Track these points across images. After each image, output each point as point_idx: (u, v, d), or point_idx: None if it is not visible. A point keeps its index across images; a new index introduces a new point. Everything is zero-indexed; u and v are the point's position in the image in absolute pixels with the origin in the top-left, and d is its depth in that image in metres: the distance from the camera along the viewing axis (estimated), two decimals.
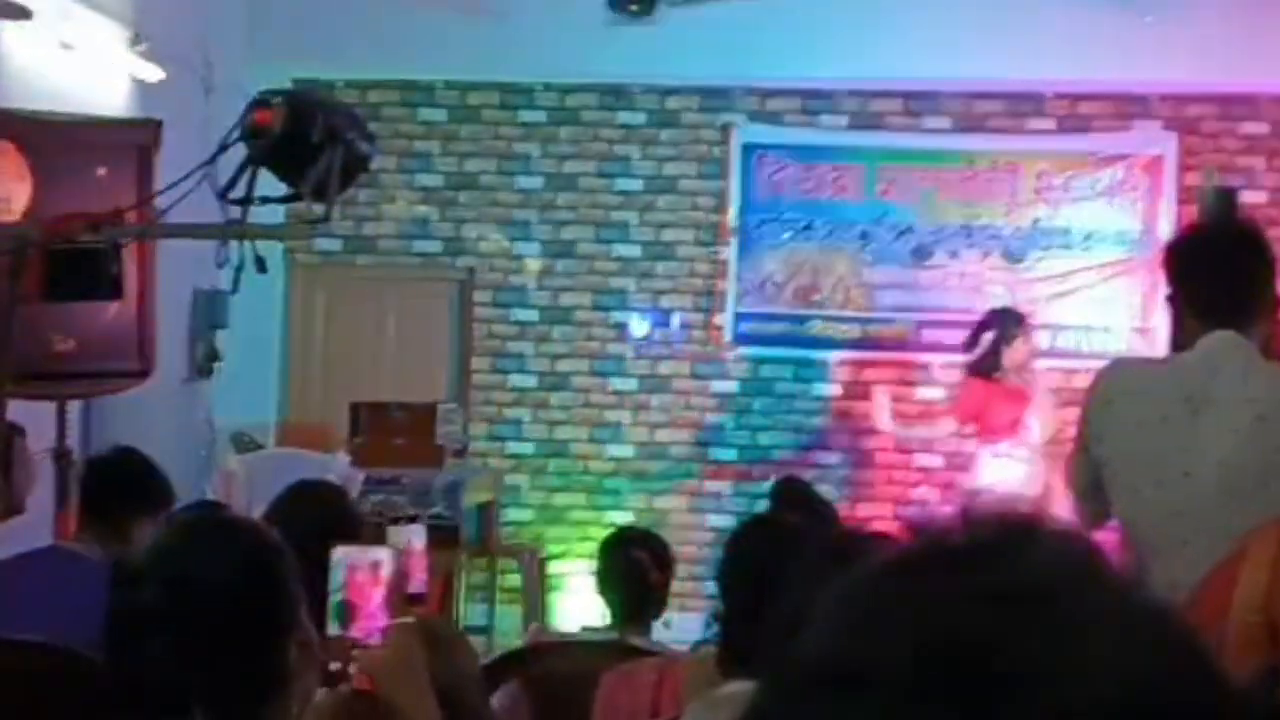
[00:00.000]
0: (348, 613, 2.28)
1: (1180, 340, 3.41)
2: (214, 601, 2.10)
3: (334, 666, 2.22)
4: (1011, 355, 8.21)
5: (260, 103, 4.36)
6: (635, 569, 4.39)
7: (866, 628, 0.82)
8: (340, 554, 2.42)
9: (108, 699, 2.09)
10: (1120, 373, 3.52)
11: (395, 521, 2.99)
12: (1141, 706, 0.78)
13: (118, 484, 4.62)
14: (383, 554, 2.51)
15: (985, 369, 8.28)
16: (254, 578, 2.14)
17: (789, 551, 3.40)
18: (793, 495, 5.34)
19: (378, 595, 2.29)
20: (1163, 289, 10.67)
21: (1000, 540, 0.84)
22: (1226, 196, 6.87)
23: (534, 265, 10.42)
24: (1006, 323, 8.42)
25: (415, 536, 2.89)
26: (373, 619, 2.26)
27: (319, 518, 3.22)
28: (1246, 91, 10.03)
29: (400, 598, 2.50)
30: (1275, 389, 3.21)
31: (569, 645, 4.48)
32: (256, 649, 2.11)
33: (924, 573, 0.83)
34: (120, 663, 2.11)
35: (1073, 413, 9.87)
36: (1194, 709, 0.79)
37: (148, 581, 2.12)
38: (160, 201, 4.67)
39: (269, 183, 4.71)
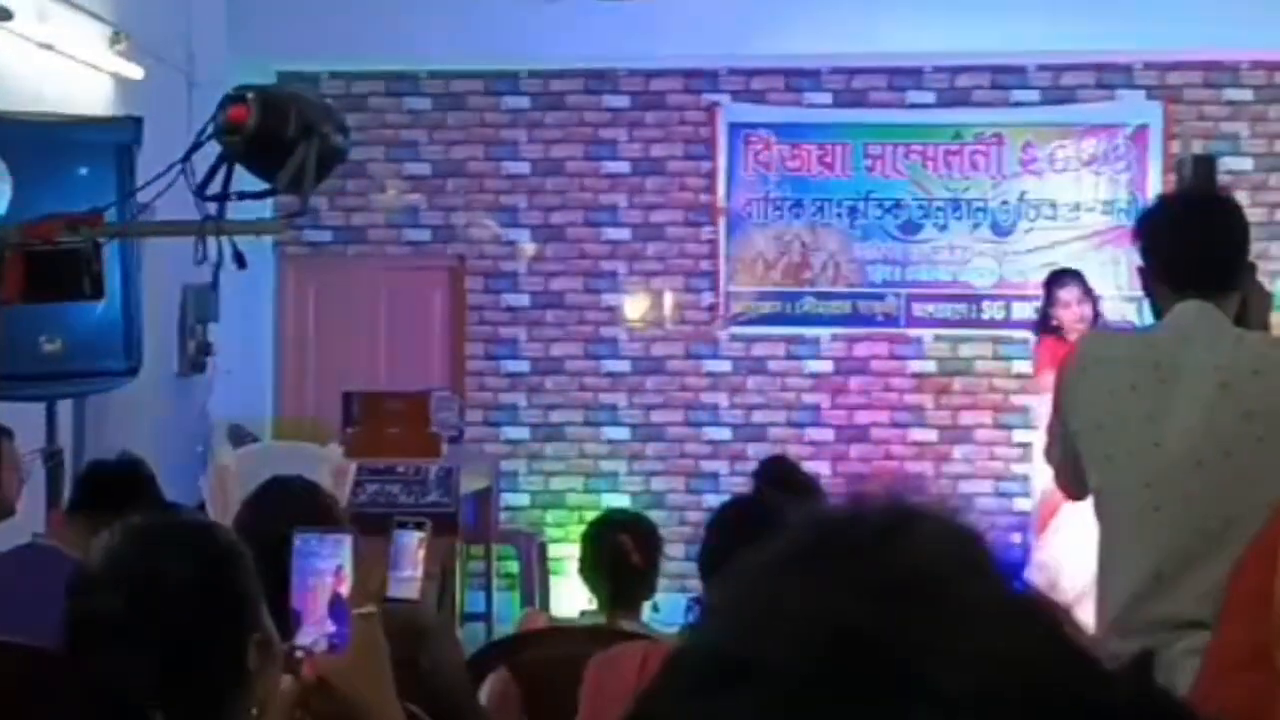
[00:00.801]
0: (292, 621, 2.28)
1: (1154, 310, 3.43)
2: (170, 604, 2.12)
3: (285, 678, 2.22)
4: (1060, 314, 8.14)
5: (233, 99, 4.37)
6: (617, 553, 4.40)
7: (754, 620, 0.83)
8: (297, 543, 2.39)
9: (74, 702, 2.11)
10: (1095, 341, 3.55)
11: (402, 526, 2.96)
12: (1021, 693, 0.79)
13: (108, 485, 4.63)
14: (342, 544, 2.47)
15: (1049, 329, 8.22)
16: (209, 579, 2.16)
17: (767, 532, 3.42)
18: (777, 474, 5.35)
19: (324, 597, 2.28)
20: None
21: (886, 528, 0.86)
22: (1208, 162, 6.86)
23: (525, 250, 10.44)
24: (1050, 283, 8.39)
25: (409, 539, 2.87)
26: (319, 624, 2.26)
27: (289, 514, 3.23)
28: (1229, 58, 10.04)
29: (362, 592, 2.46)
30: (1240, 357, 3.21)
31: (557, 631, 4.50)
32: (214, 650, 2.13)
33: (811, 561, 0.85)
34: (80, 666, 2.13)
35: None
36: (1072, 694, 0.81)
37: (103, 586, 2.14)
38: (139, 199, 4.69)
39: (246, 178, 4.73)
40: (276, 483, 3.70)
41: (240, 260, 4.47)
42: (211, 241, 4.44)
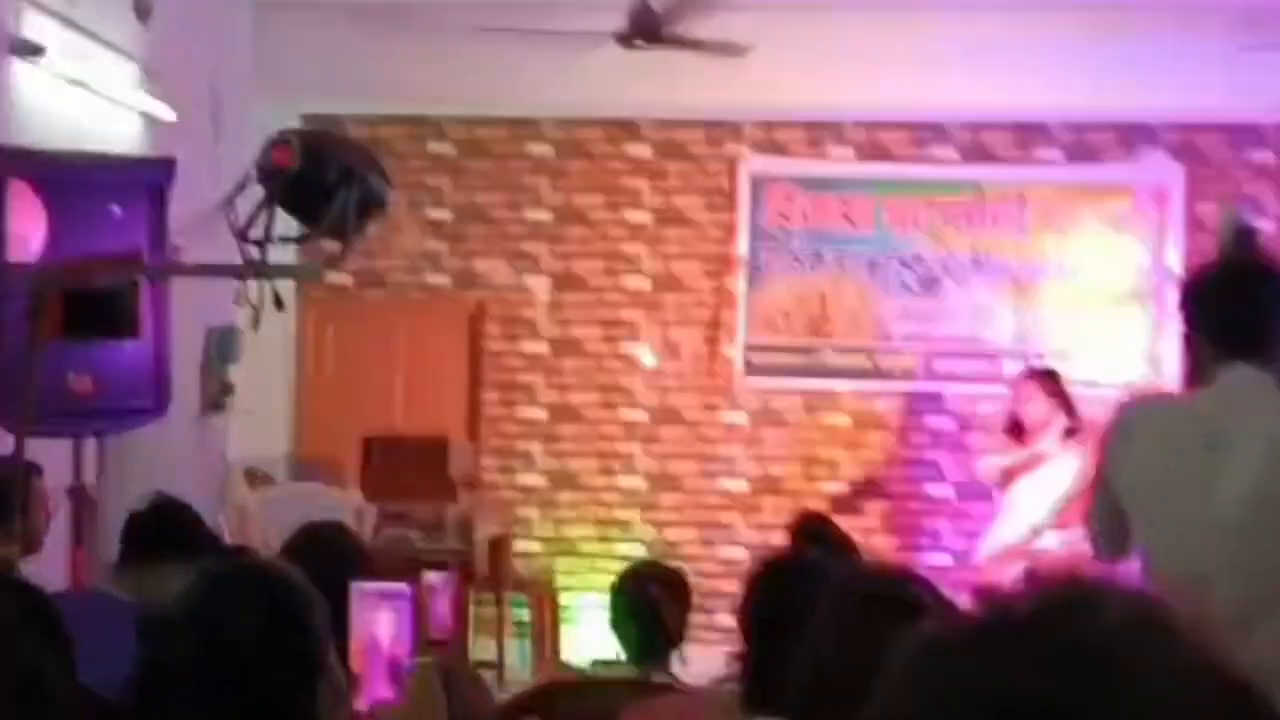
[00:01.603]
0: (353, 682, 2.28)
1: (1197, 376, 3.42)
2: (246, 651, 2.11)
3: None
4: (1027, 411, 7.88)
5: (277, 143, 4.38)
6: (649, 604, 4.38)
7: (935, 695, 0.83)
8: (354, 598, 2.40)
9: None
10: (1140, 407, 3.53)
11: (429, 566, 2.97)
12: None
13: (162, 531, 4.60)
14: (400, 597, 2.49)
15: (1014, 431, 7.97)
16: (284, 626, 2.15)
17: (809, 590, 3.41)
18: (814, 531, 5.33)
19: (384, 654, 2.28)
20: (1173, 317, 10.57)
21: (1063, 605, 0.86)
22: (1248, 236, 6.82)
23: (544, 297, 10.45)
24: (1021, 382, 8.13)
25: (441, 583, 2.90)
26: (379, 683, 2.25)
27: (332, 561, 3.22)
28: (1251, 120, 10.07)
29: (422, 640, 2.48)
30: None
31: (587, 684, 4.46)
32: (288, 695, 2.12)
33: (990, 640, 0.85)
34: (149, 714, 2.12)
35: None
36: None
37: (179, 633, 2.13)
38: (179, 241, 4.70)
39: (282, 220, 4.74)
40: (316, 530, 3.69)
41: (280, 303, 4.47)
42: (252, 284, 4.44)
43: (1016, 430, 7.86)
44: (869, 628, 2.47)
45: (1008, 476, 7.82)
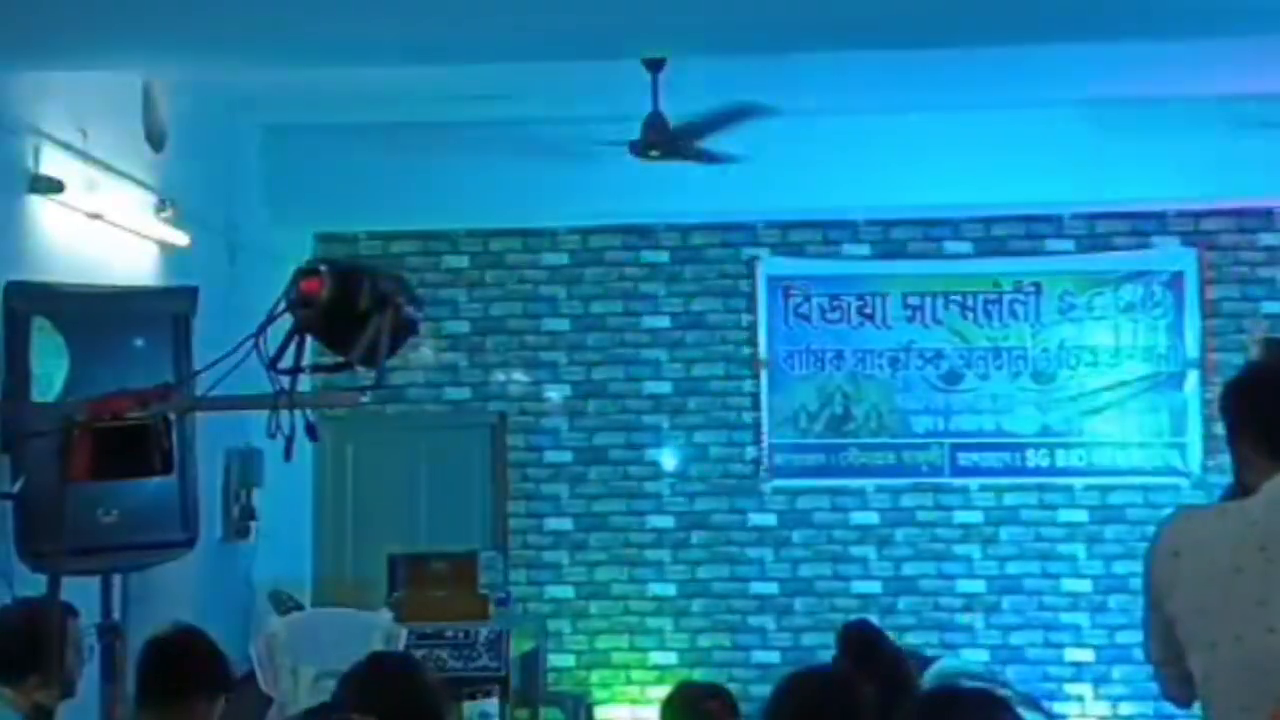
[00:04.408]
0: None
1: (1245, 482, 3.25)
2: None
3: None
4: None
5: (307, 271, 4.33)
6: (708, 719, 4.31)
7: None
8: None
9: None
10: (1186, 523, 3.27)
11: (472, 697, 2.93)
12: None
13: (180, 665, 4.54)
14: None
15: None
16: None
17: (847, 713, 3.36)
18: (861, 644, 5.25)
19: None
20: (1194, 402, 10.57)
21: None
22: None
23: (565, 407, 10.41)
24: None
25: (490, 710, 2.85)
26: None
27: (403, 693, 3.17)
28: (1262, 205, 10.07)
29: None
30: None
31: None
32: None
33: None
34: None
35: (1115, 530, 9.83)
36: None
37: None
38: (210, 375, 4.65)
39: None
40: (384, 661, 3.63)
41: (312, 433, 4.41)
42: (284, 414, 4.38)
43: None
44: None
45: None
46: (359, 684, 3.61)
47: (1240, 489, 3.21)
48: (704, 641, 10.18)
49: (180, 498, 6.16)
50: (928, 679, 7.81)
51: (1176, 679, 3.16)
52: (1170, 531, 3.21)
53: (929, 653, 9.52)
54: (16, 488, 5.53)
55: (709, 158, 8.34)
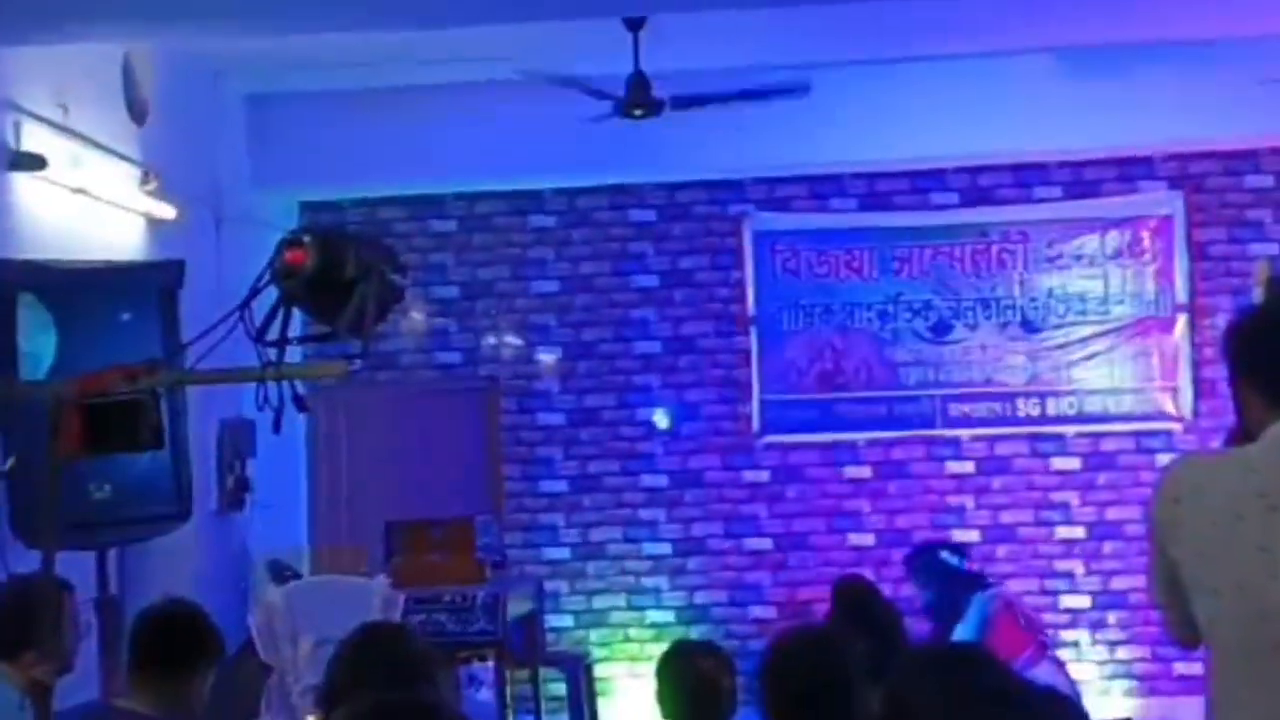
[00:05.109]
0: None
1: (1247, 427, 3.23)
2: None
3: None
4: None
5: (291, 242, 4.33)
6: (705, 680, 4.32)
7: None
8: None
9: None
10: (1187, 469, 3.21)
11: (466, 661, 2.95)
12: None
13: (170, 637, 4.57)
14: None
15: None
16: None
17: (842, 675, 3.39)
18: (856, 601, 5.27)
19: None
20: (1184, 347, 10.55)
21: None
22: None
23: (556, 368, 10.42)
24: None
25: (484, 675, 2.86)
26: None
27: (395, 662, 3.18)
28: (1248, 146, 10.07)
29: None
30: None
31: None
32: None
33: None
34: None
35: (1107, 476, 9.88)
36: None
37: None
38: (195, 347, 4.65)
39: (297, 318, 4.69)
40: (377, 630, 3.64)
41: (301, 404, 4.42)
42: (271, 385, 4.39)
43: None
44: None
45: None
46: (351, 655, 3.62)
47: (1243, 433, 3.18)
48: (701, 599, 10.22)
49: (173, 471, 6.17)
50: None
51: (1181, 622, 3.16)
52: (1172, 477, 3.20)
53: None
54: (8, 466, 5.54)
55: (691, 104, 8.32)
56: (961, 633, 8.59)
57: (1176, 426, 10.05)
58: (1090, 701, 8.82)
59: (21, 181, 6.88)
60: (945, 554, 8.81)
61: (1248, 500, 3.01)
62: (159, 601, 4.91)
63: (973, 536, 10.12)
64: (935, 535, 9.98)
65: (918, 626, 8.71)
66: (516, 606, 8.67)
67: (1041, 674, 7.72)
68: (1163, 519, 3.12)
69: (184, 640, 4.59)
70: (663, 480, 10.32)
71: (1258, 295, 8.78)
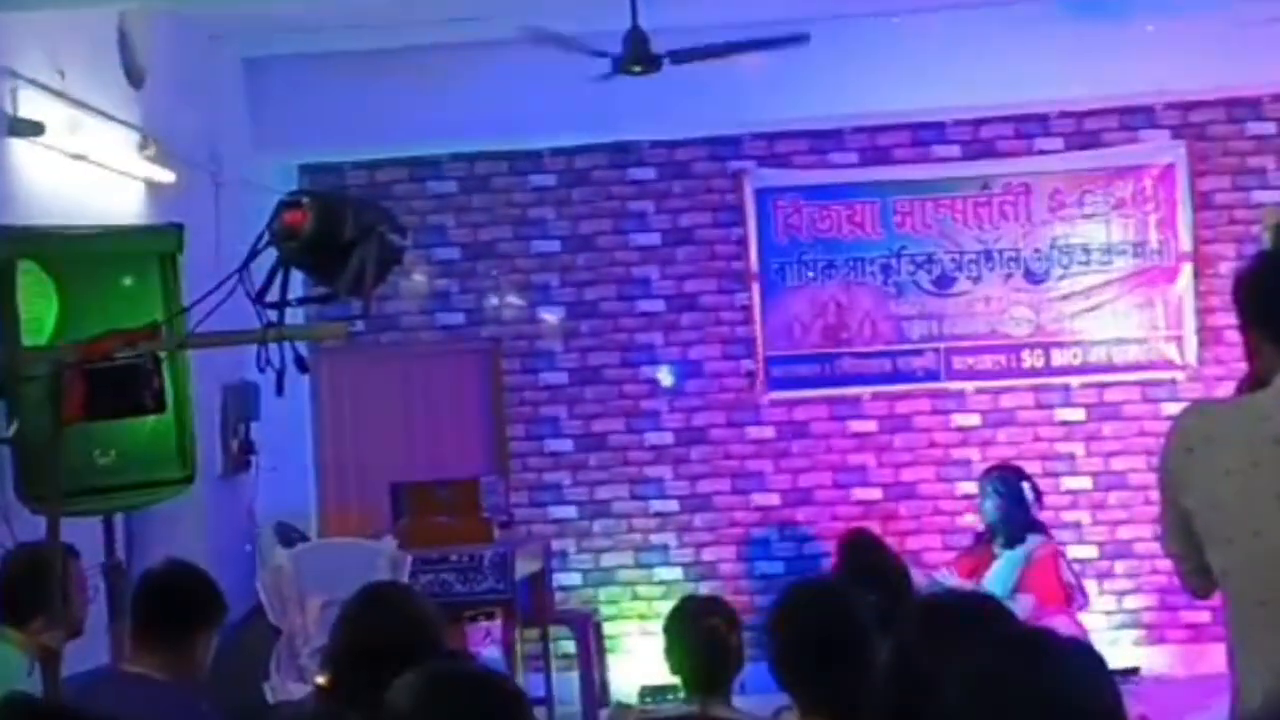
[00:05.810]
0: None
1: (1259, 373, 3.13)
2: None
3: None
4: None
5: (289, 204, 4.32)
6: (713, 636, 4.33)
7: None
8: None
9: None
10: (1199, 417, 3.20)
11: (473, 619, 2.98)
12: None
13: (173, 600, 4.57)
14: None
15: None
16: None
17: (852, 630, 3.39)
18: (863, 555, 5.27)
19: None
20: (1188, 295, 10.55)
21: None
22: None
23: (559, 328, 10.41)
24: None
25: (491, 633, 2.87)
26: None
27: (399, 625, 3.18)
28: (1250, 93, 10.03)
29: None
30: None
31: None
32: None
33: None
34: None
35: (1113, 427, 9.89)
36: None
37: None
38: (195, 311, 4.65)
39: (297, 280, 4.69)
40: (379, 591, 3.64)
41: (302, 365, 4.42)
42: (273, 347, 4.39)
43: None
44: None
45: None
46: (354, 617, 3.62)
47: (1254, 379, 3.17)
48: (708, 555, 10.23)
49: (177, 435, 6.15)
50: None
51: (1195, 571, 3.15)
52: (1182, 427, 3.18)
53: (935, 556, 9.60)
54: (11, 431, 5.53)
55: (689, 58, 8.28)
56: (1006, 564, 8.72)
57: (1181, 376, 10.04)
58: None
59: (19, 147, 6.86)
60: (1026, 486, 8.97)
61: (1262, 447, 3.00)
62: (160, 565, 4.91)
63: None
64: (939, 488, 10.00)
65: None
66: (524, 566, 8.69)
67: (1060, 626, 7.76)
68: (1174, 469, 3.10)
69: (185, 603, 4.60)
70: (668, 438, 10.32)
71: (1265, 241, 8.79)
